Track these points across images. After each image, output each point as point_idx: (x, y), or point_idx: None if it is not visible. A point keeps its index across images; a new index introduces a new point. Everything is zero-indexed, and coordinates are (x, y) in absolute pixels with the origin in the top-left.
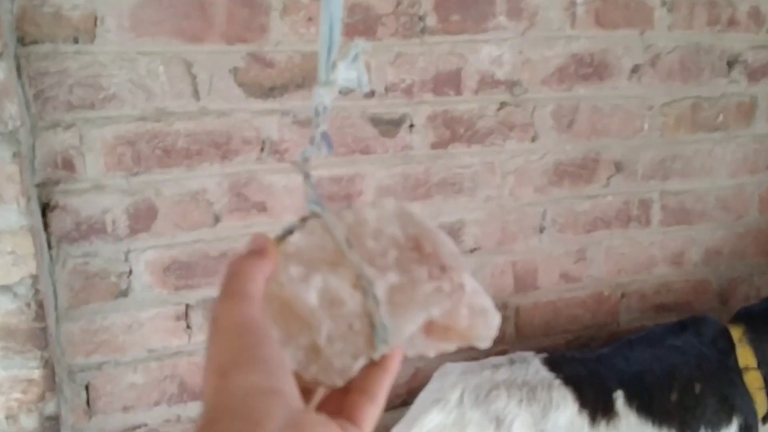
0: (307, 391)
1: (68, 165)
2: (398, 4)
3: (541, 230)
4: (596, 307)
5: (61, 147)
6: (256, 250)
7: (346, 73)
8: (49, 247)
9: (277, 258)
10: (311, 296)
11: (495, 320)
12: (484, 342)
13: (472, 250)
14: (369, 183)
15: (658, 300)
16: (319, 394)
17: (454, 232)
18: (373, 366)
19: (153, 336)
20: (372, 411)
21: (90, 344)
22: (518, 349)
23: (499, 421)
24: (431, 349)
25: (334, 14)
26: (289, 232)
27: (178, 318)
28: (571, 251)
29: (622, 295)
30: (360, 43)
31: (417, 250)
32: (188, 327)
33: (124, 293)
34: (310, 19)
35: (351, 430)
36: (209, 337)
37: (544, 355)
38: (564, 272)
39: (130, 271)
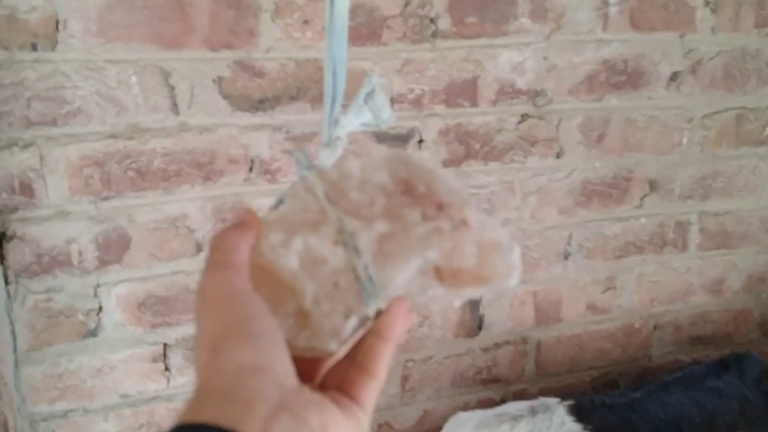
0: (306, 364)
1: (27, 189)
2: (407, 5)
3: (566, 256)
4: (626, 340)
5: (19, 169)
6: (238, 222)
7: (358, 117)
8: (6, 282)
9: (260, 227)
10: (292, 260)
11: (513, 254)
12: (507, 281)
13: None
14: None
15: (695, 332)
16: (324, 370)
17: None
18: (372, 336)
19: (126, 380)
20: (372, 386)
21: (54, 390)
22: (539, 388)
23: None
24: (453, 297)
25: (338, 59)
26: (281, 201)
27: (154, 359)
28: (599, 279)
29: (655, 327)
30: (373, 79)
31: (408, 193)
32: (166, 369)
33: (93, 333)
34: (305, 21)
35: (350, 407)
36: (197, 310)
37: (570, 402)
38: (591, 303)
39: (100, 308)
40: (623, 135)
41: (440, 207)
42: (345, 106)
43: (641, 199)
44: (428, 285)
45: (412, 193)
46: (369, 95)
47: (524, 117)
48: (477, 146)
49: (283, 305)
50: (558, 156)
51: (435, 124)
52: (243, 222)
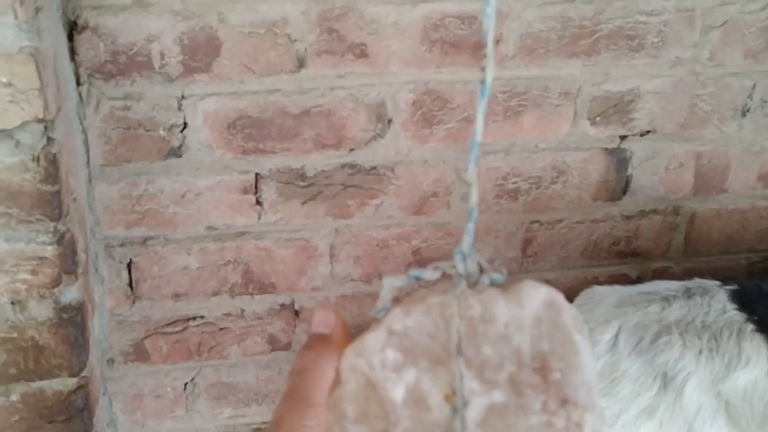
0: None
1: None
2: None
3: (744, 112)
4: None
5: None
6: (323, 339)
7: None
8: (78, 83)
9: (346, 344)
10: (398, 392)
11: None
12: None
13: (644, 134)
14: (511, 26)
15: None
16: None
17: (623, 105)
18: None
19: (212, 210)
20: None
21: (132, 213)
22: (684, 267)
23: (667, 379)
24: None
25: None
26: (417, 278)
27: (245, 190)
28: None
29: None
30: None
31: (541, 373)
32: (258, 203)
33: (176, 152)
34: None
35: None
36: None
37: (733, 286)
38: (765, 172)
39: (185, 124)
40: None
41: (564, 402)
42: None
43: None
44: None
45: (545, 375)
46: None
47: None
48: None
49: (371, 420)
50: None
51: None
52: (329, 340)
